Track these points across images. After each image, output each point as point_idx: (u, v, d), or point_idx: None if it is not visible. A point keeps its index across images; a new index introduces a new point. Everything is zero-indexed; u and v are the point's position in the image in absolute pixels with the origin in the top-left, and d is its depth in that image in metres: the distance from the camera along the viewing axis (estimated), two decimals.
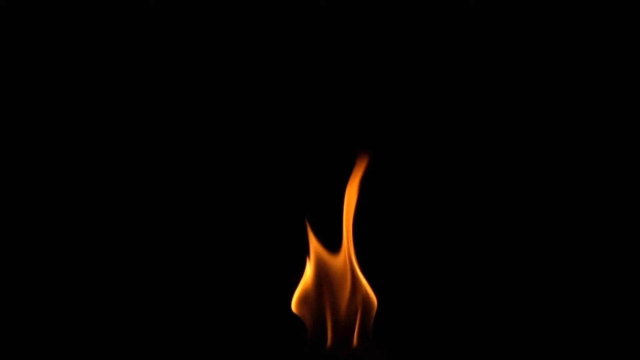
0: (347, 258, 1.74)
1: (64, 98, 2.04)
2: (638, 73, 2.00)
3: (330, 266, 1.73)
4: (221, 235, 2.06)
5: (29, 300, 2.04)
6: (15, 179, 2.04)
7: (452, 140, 2.04)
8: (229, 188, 2.06)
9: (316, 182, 1.99)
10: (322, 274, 1.73)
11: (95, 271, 2.05)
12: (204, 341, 2.05)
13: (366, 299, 1.72)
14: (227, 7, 2.03)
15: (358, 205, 1.78)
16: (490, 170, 2.04)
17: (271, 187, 2.04)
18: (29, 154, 2.04)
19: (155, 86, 2.04)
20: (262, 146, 2.05)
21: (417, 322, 2.03)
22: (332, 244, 1.77)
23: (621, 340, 1.99)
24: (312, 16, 2.03)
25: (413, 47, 2.03)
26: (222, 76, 2.05)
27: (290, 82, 2.03)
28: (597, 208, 2.03)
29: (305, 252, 1.76)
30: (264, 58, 2.04)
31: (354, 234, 1.76)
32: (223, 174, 2.05)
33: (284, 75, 2.04)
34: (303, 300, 1.73)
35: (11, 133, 2.04)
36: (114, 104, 2.05)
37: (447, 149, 2.04)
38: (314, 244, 1.75)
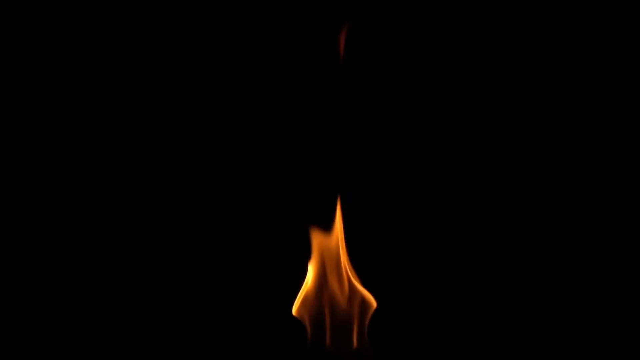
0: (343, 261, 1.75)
1: (64, 98, 2.04)
2: (638, 73, 2.00)
3: (329, 268, 1.74)
4: (222, 237, 2.06)
5: (29, 300, 2.04)
6: (15, 179, 2.04)
7: (452, 140, 2.05)
8: (231, 190, 2.06)
9: (318, 185, 2.00)
10: (322, 277, 1.74)
11: (96, 271, 2.06)
12: (204, 341, 2.05)
13: (364, 300, 1.73)
14: (227, 6, 2.04)
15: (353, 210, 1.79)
16: (489, 170, 2.04)
17: (273, 189, 2.05)
18: (29, 154, 2.04)
19: (155, 86, 2.05)
20: (264, 147, 2.05)
21: (416, 322, 2.03)
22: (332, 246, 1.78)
23: (621, 340, 1.99)
24: (312, 16, 2.03)
25: (413, 47, 2.03)
26: (222, 76, 2.05)
27: (289, 82, 2.03)
28: (594, 207, 2.03)
29: (307, 256, 1.77)
30: (263, 57, 2.04)
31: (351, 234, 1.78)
32: (225, 176, 2.05)
33: (283, 75, 2.04)
34: (304, 303, 1.74)
35: (11, 133, 2.04)
36: (114, 104, 2.05)
37: (447, 148, 2.05)
38: (316, 246, 1.76)
